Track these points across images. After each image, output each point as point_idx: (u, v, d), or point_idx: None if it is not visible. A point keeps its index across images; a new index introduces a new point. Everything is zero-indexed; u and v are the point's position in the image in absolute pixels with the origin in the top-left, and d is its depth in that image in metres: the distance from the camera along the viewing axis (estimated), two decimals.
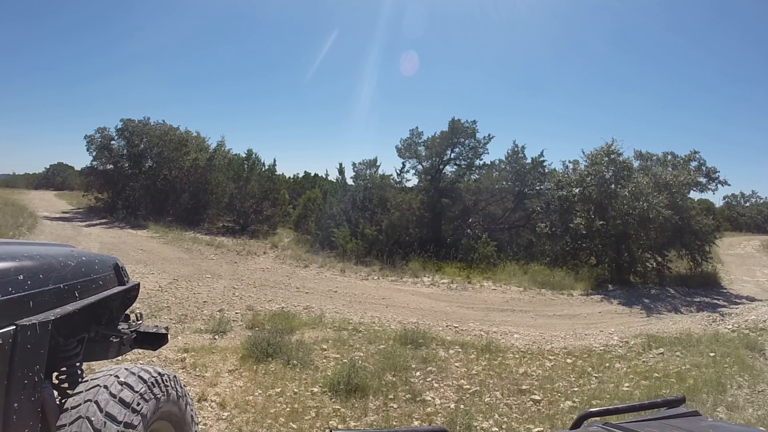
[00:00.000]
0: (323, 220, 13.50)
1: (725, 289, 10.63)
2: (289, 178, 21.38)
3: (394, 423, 3.59)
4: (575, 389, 4.52)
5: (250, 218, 15.84)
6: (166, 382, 1.69)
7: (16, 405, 1.20)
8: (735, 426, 1.51)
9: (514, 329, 6.79)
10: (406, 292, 8.99)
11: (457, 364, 5.04)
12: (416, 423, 3.64)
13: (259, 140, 68.41)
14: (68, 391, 1.63)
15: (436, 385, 4.45)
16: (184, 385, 1.91)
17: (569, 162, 13.03)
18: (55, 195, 23.46)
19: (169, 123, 17.72)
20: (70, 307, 1.49)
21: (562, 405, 4.11)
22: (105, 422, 1.37)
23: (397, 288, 9.28)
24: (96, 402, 1.40)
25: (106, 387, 1.46)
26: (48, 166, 33.55)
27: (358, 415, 3.69)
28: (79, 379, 1.65)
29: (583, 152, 12.34)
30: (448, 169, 14.66)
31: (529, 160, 14.37)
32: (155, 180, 16.69)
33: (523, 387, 4.47)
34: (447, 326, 6.71)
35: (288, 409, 3.67)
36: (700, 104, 61.64)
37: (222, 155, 17.61)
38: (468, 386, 4.44)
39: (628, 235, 10.78)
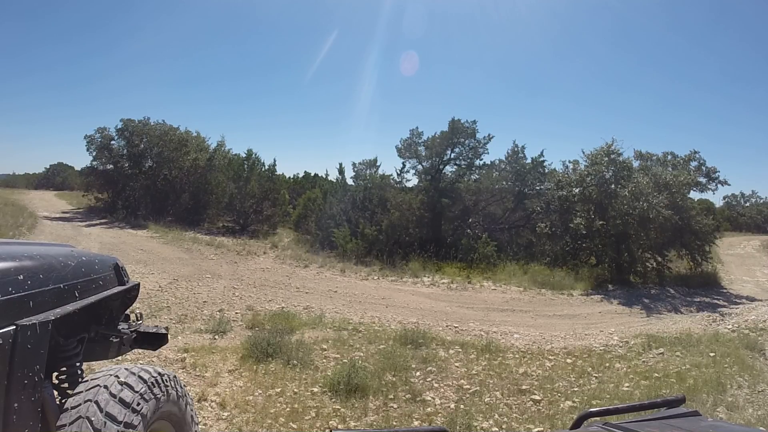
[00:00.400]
0: (323, 220, 13.50)
1: (725, 289, 10.63)
2: (289, 178, 21.40)
3: (394, 423, 3.59)
4: (575, 389, 4.52)
5: (250, 218, 15.84)
6: (166, 382, 1.69)
7: (16, 405, 1.20)
8: (735, 426, 1.51)
9: (514, 329, 6.79)
10: (406, 292, 8.99)
11: (457, 364, 5.04)
12: (416, 423, 3.64)
13: (259, 140, 68.48)
14: (68, 391, 1.63)
15: (436, 385, 4.45)
16: (184, 385, 1.92)
17: (569, 162, 13.04)
18: (55, 195, 23.46)
19: (169, 123, 17.76)
20: (70, 307, 1.49)
21: (562, 405, 4.11)
22: (105, 422, 1.37)
23: (397, 288, 9.28)
24: (96, 402, 1.40)
25: (106, 387, 1.46)
26: (48, 166, 33.60)
27: (358, 415, 3.69)
28: (79, 379, 1.65)
29: (583, 152, 12.36)
30: (448, 169, 14.67)
31: (529, 160, 14.38)
32: (155, 180, 16.69)
33: (523, 387, 4.47)
34: (447, 326, 6.71)
35: (288, 409, 3.67)
36: (700, 104, 61.72)
37: (222, 155, 17.61)
38: (468, 386, 4.44)
39: (628, 235, 10.78)
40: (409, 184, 15.04)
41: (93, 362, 2.50)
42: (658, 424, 1.06)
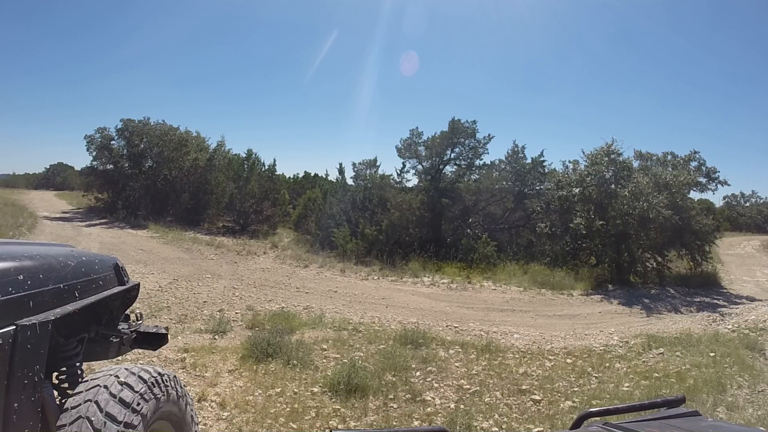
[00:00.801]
0: (323, 220, 13.50)
1: (725, 289, 10.63)
2: (289, 178, 21.42)
3: (394, 423, 3.59)
4: (575, 389, 4.52)
5: (250, 218, 15.84)
6: (166, 382, 1.69)
7: (16, 405, 1.20)
8: (735, 426, 1.51)
9: (514, 329, 6.79)
10: (406, 292, 8.99)
11: (457, 364, 5.04)
12: (416, 423, 3.64)
13: (259, 140, 68.42)
14: (68, 391, 1.63)
15: (436, 385, 4.45)
16: (184, 385, 1.92)
17: (569, 162, 13.03)
18: (55, 195, 23.47)
19: (169, 123, 17.77)
20: (70, 307, 1.49)
21: (562, 405, 4.11)
22: (105, 422, 1.37)
23: (397, 288, 9.28)
24: (96, 402, 1.40)
25: (106, 387, 1.46)
26: (48, 166, 33.62)
27: (358, 415, 3.69)
28: (79, 379, 1.65)
29: (583, 152, 12.35)
30: (448, 169, 14.67)
31: (529, 160, 14.38)
32: (155, 180, 16.69)
33: (523, 387, 4.47)
34: (447, 326, 6.71)
35: (288, 409, 3.67)
36: (700, 104, 61.69)
37: (222, 155, 17.62)
38: (468, 386, 4.44)
39: (628, 235, 10.78)
40: (409, 184, 15.07)
41: (93, 362, 2.50)
42: (658, 424, 1.06)
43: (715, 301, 9.23)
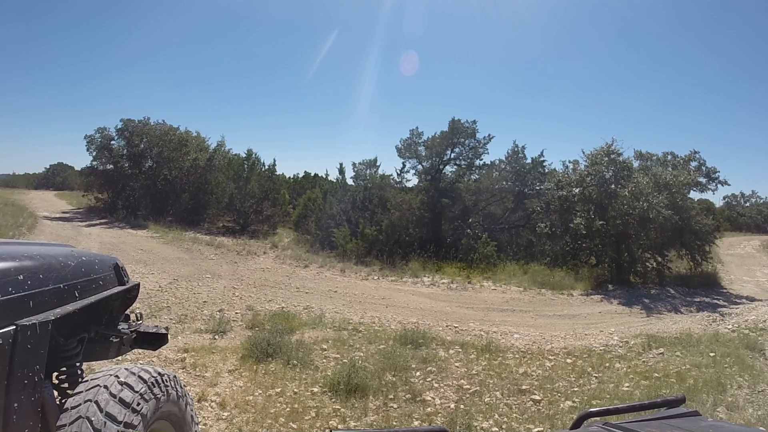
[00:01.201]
0: (323, 220, 13.50)
1: (725, 289, 10.63)
2: (289, 178, 21.41)
3: (394, 423, 3.59)
4: (575, 389, 4.52)
5: (250, 218, 15.84)
6: (166, 382, 1.69)
7: (16, 405, 1.20)
8: (735, 426, 1.51)
9: (514, 329, 6.79)
10: (406, 292, 8.99)
11: (457, 364, 5.04)
12: (416, 423, 3.64)
13: (259, 140, 68.42)
14: (68, 391, 1.63)
15: (436, 385, 4.45)
16: (184, 385, 1.92)
17: (569, 162, 13.03)
18: (55, 195, 23.47)
19: (169, 123, 17.77)
20: (70, 307, 1.49)
21: (562, 405, 4.11)
22: (105, 422, 1.37)
23: (397, 288, 9.28)
24: (96, 402, 1.40)
25: (106, 387, 1.46)
26: (48, 166, 33.63)
27: (358, 415, 3.69)
28: (79, 379, 1.65)
29: (583, 152, 12.35)
30: (448, 169, 14.68)
31: (529, 160, 14.38)
32: (155, 180, 16.69)
33: (523, 387, 4.47)
34: (447, 326, 6.71)
35: (288, 409, 3.67)
36: (700, 104, 61.70)
37: (222, 155, 17.61)
38: (468, 386, 4.44)
39: (628, 235, 10.78)
40: (409, 184, 15.07)
41: (93, 362, 2.50)
42: (658, 424, 1.06)
43: (715, 301, 9.23)
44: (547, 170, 14.11)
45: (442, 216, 14.03)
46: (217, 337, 5.43)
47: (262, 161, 16.70)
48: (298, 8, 68.43)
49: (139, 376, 1.57)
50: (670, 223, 10.42)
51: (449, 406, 4.00)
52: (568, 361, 5.41)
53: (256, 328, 5.76)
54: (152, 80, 69.35)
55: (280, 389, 4.00)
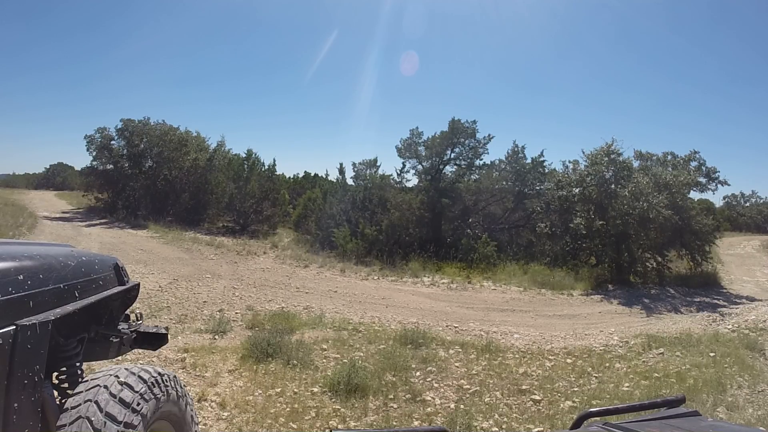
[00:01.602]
0: (323, 220, 13.50)
1: (725, 289, 10.63)
2: (289, 178, 21.41)
3: (394, 423, 3.59)
4: (575, 389, 4.52)
5: (250, 218, 15.84)
6: (166, 382, 1.69)
7: (16, 405, 1.20)
8: (735, 426, 1.51)
9: (514, 329, 6.79)
10: (406, 292, 8.99)
11: (457, 364, 5.04)
12: (416, 423, 3.64)
13: (259, 140, 68.42)
14: (68, 391, 1.63)
15: (436, 385, 4.45)
16: (184, 385, 1.92)
17: (569, 162, 13.03)
18: (55, 195, 23.46)
19: (169, 123, 17.77)
20: (70, 307, 1.49)
21: (562, 405, 4.11)
22: (105, 422, 1.37)
23: (397, 288, 9.28)
24: (96, 402, 1.40)
25: (106, 387, 1.46)
26: (48, 166, 33.61)
27: (358, 415, 3.69)
28: (79, 379, 1.65)
29: (583, 152, 12.35)
30: (448, 169, 14.68)
31: (529, 160, 14.38)
32: (155, 180, 16.69)
33: (523, 387, 4.47)
34: (447, 326, 6.71)
35: (288, 409, 3.67)
36: (700, 104, 61.70)
37: (222, 155, 17.61)
38: (468, 386, 4.44)
39: (628, 235, 10.78)
40: (409, 184, 15.07)
41: (93, 362, 2.50)
42: (658, 424, 1.06)
43: (715, 301, 9.23)
44: (547, 170, 14.11)
45: (442, 216, 14.03)
46: (217, 337, 5.43)
47: (262, 161, 16.73)
48: (298, 8, 68.47)
49: (139, 376, 1.57)
50: (670, 223, 10.42)
51: (449, 406, 4.00)
52: (568, 361, 5.41)
53: (256, 328, 5.76)
54: (152, 80, 69.41)
55: (280, 389, 4.00)
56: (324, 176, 18.53)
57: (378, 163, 14.91)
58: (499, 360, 5.27)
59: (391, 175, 14.81)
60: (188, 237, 12.84)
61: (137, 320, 2.21)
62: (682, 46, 54.31)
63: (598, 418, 1.15)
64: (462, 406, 3.96)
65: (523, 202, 14.07)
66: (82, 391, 1.46)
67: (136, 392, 1.50)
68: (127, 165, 16.80)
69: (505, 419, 3.83)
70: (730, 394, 4.36)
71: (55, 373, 1.69)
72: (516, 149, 14.60)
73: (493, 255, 11.93)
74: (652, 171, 11.66)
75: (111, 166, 16.92)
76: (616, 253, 10.89)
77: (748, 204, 32.20)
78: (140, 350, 3.34)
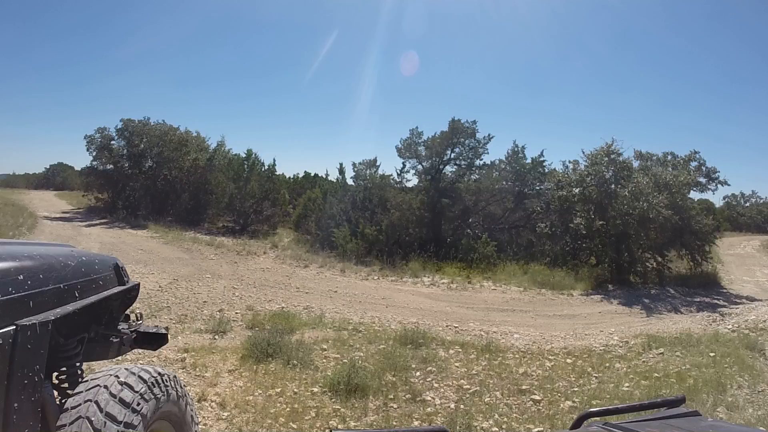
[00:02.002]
0: (323, 220, 13.50)
1: (725, 289, 10.63)
2: (289, 178, 21.39)
3: (394, 423, 3.59)
4: (575, 389, 4.52)
5: (250, 218, 15.84)
6: (166, 382, 1.69)
7: (16, 405, 1.20)
8: (735, 426, 1.51)
9: (514, 329, 6.79)
10: (406, 292, 8.99)
11: (457, 364, 5.04)
12: (416, 423, 3.64)
13: (259, 140, 68.16)
14: (68, 391, 1.63)
15: (436, 385, 4.45)
16: (184, 385, 1.92)
17: (569, 162, 13.03)
18: (55, 195, 23.46)
19: (169, 123, 17.73)
20: (70, 307, 1.50)
21: (562, 405, 4.11)
22: (105, 422, 1.37)
23: (397, 288, 9.28)
24: (96, 402, 1.40)
25: (106, 387, 1.46)
26: (48, 166, 33.51)
27: (358, 415, 3.70)
28: (79, 379, 1.65)
29: (583, 152, 12.35)
30: (448, 169, 14.65)
31: (529, 160, 14.36)
32: (155, 180, 16.69)
33: (523, 387, 4.47)
34: (447, 326, 6.71)
35: (288, 409, 3.67)
36: (700, 104, 61.53)
37: (222, 155, 17.61)
38: (468, 386, 4.45)
39: (628, 235, 10.78)
40: (409, 184, 15.04)
41: (93, 362, 2.50)
42: (658, 424, 1.06)
43: (715, 301, 9.23)
44: (547, 170, 14.10)
45: (442, 216, 14.03)
46: (217, 337, 5.43)
47: (262, 161, 16.70)
48: (298, 8, 68.31)
49: (139, 376, 1.57)
50: (670, 223, 10.42)
51: (449, 406, 4.00)
52: (568, 361, 5.42)
53: (256, 328, 5.75)
54: (152, 80, 69.14)
55: (280, 389, 4.00)
56: (324, 176, 18.54)
57: (378, 163, 14.89)
58: (499, 360, 5.27)
59: (391, 175, 14.81)
60: (188, 237, 12.84)
61: (137, 320, 2.22)
62: (682, 46, 54.27)
63: (598, 418, 1.15)
64: (462, 406, 3.96)
65: (523, 202, 14.07)
66: (82, 391, 1.46)
67: (136, 392, 1.50)
68: (127, 165, 16.79)
69: (505, 419, 3.83)
70: (730, 394, 4.36)
71: (55, 373, 1.69)
72: (516, 149, 14.59)
73: (493, 255, 11.93)
74: (652, 171, 11.66)
75: (111, 166, 16.91)
76: (616, 253, 10.89)
77: (748, 204, 32.22)
78: (140, 350, 3.34)
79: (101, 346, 2.02)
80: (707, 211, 14.06)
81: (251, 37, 72.34)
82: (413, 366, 4.80)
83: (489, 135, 14.30)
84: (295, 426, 3.45)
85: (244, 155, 16.91)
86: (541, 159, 14.16)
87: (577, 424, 1.11)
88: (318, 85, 73.07)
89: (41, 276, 1.42)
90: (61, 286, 1.52)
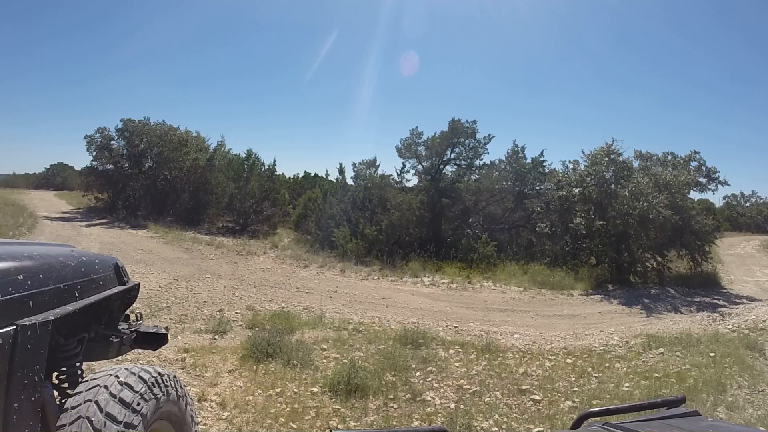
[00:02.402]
0: (323, 220, 13.50)
1: (725, 289, 10.63)
2: (289, 178, 21.39)
3: (394, 423, 3.59)
4: (575, 389, 4.52)
5: (250, 218, 15.84)
6: (166, 382, 1.69)
7: (16, 405, 1.20)
8: (735, 426, 1.51)
9: (514, 329, 6.79)
10: (406, 292, 8.99)
11: (457, 364, 5.04)
12: (416, 423, 3.64)
13: (259, 140, 68.26)
14: (68, 391, 1.63)
15: (436, 385, 4.45)
16: (184, 385, 1.92)
17: (569, 162, 13.02)
18: (55, 195, 23.45)
19: (169, 123, 17.73)
20: (70, 307, 1.50)
21: (562, 405, 4.11)
22: (105, 422, 1.37)
23: (397, 288, 9.28)
24: (96, 402, 1.40)
25: (106, 387, 1.46)
26: (48, 166, 33.49)
27: (358, 415, 3.70)
28: (79, 379, 1.65)
29: (583, 152, 12.35)
30: (448, 169, 14.66)
31: (529, 160, 14.36)
32: (155, 180, 16.69)
33: (523, 387, 4.47)
34: (447, 326, 6.71)
35: (288, 409, 3.67)
36: (700, 104, 61.56)
37: (222, 155, 17.61)
38: (468, 386, 4.45)
39: (628, 235, 10.78)
40: (409, 184, 15.04)
41: (93, 362, 2.50)
42: (658, 424, 1.06)
43: (715, 301, 9.23)
44: (547, 170, 14.11)
45: (442, 216, 14.03)
46: (217, 337, 5.43)
47: (262, 161, 16.71)
48: (298, 8, 68.31)
49: (139, 376, 1.57)
50: (670, 223, 10.42)
51: (449, 406, 4.00)
52: (568, 361, 5.42)
53: (256, 328, 5.75)
54: (152, 80, 69.21)
55: (280, 389, 4.00)
56: (324, 176, 18.54)
57: (378, 163, 14.88)
58: (499, 360, 5.27)
59: (391, 175, 14.81)
60: (188, 237, 12.84)
61: (137, 320, 2.22)
62: (682, 46, 54.30)
63: (598, 418, 1.15)
64: (462, 406, 3.96)
65: (523, 202, 14.07)
66: (82, 391, 1.46)
67: (136, 392, 1.50)
68: (127, 165, 16.79)
69: (505, 419, 3.83)
70: (730, 394, 4.36)
71: (55, 373, 1.69)
72: (516, 149, 14.59)
73: (493, 255, 11.93)
74: (652, 171, 11.66)
75: (111, 166, 16.90)
76: (616, 253, 10.89)
77: (748, 204, 32.20)
78: (140, 350, 3.34)
79: (101, 346, 2.02)
80: (707, 211, 14.08)
81: (251, 37, 72.41)
82: (413, 366, 4.80)
83: (489, 135, 14.32)
84: (295, 426, 3.45)
85: (244, 155, 16.93)
86: (541, 159, 14.18)
87: (577, 424, 1.11)
88: (318, 85, 73.13)
89: (41, 276, 1.42)
90: (61, 286, 1.52)
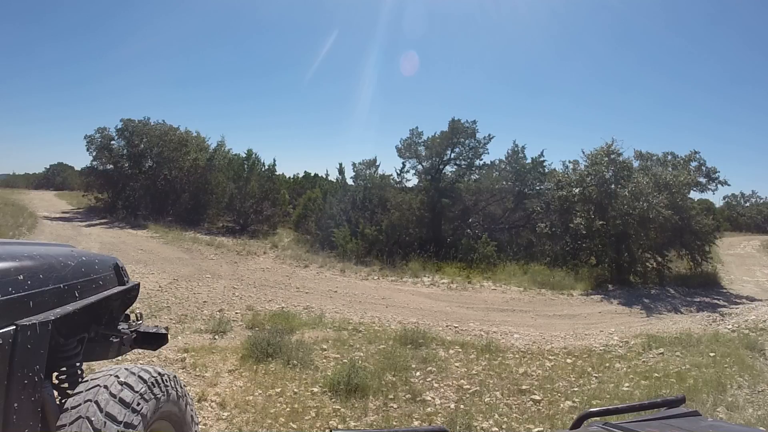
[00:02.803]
0: (323, 220, 13.50)
1: (725, 289, 10.63)
2: (289, 178, 21.39)
3: (394, 423, 3.59)
4: (575, 389, 4.52)
5: (250, 218, 15.84)
6: (166, 382, 1.69)
7: (16, 405, 1.20)
8: (735, 426, 1.51)
9: (514, 329, 6.79)
10: (406, 292, 8.99)
11: (457, 364, 5.04)
12: (416, 423, 3.64)
13: (259, 140, 68.16)
14: (68, 391, 1.63)
15: (436, 385, 4.45)
16: (184, 385, 1.92)
17: (569, 162, 13.01)
18: (55, 195, 23.45)
19: (169, 123, 17.73)
20: (70, 307, 1.50)
21: (562, 405, 4.11)
22: (105, 422, 1.37)
23: (397, 288, 9.28)
24: (96, 402, 1.40)
25: (106, 387, 1.46)
26: (48, 166, 33.47)
27: (358, 415, 3.70)
28: (79, 379, 1.65)
29: (583, 152, 12.35)
30: (448, 169, 14.66)
31: (529, 160, 14.35)
32: (155, 180, 16.69)
33: (523, 387, 4.47)
34: (447, 326, 6.71)
35: (288, 409, 3.67)
36: (700, 104, 61.50)
37: (222, 155, 17.61)
38: (468, 386, 4.45)
39: (628, 235, 10.78)
40: (409, 184, 15.03)
41: (93, 362, 2.50)
42: (658, 424, 1.06)
43: (715, 301, 9.23)
44: (547, 170, 14.10)
45: (442, 216, 14.03)
46: (217, 337, 5.43)
47: (262, 161, 16.72)
48: (298, 8, 68.26)
49: (139, 376, 1.57)
50: (670, 223, 10.42)
51: (449, 406, 4.00)
52: (568, 361, 5.42)
53: (256, 328, 5.76)
54: (152, 80, 69.13)
55: (280, 389, 4.00)
56: (324, 176, 18.53)
57: (378, 163, 14.88)
58: (499, 360, 5.27)
59: (391, 175, 14.80)
60: (188, 237, 12.84)
61: (137, 320, 2.22)
62: (682, 46, 54.24)
63: (598, 418, 1.15)
64: (462, 406, 3.96)
65: (523, 202, 14.06)
66: (82, 391, 1.46)
67: (136, 392, 1.50)
68: (127, 165, 16.78)
69: (505, 419, 3.83)
70: (730, 394, 4.36)
71: (55, 373, 1.69)
72: (516, 149, 14.58)
73: (493, 255, 11.93)
74: (652, 171, 11.66)
75: (111, 166, 16.90)
76: (616, 253, 10.89)
77: (748, 204, 32.18)
78: (140, 350, 3.34)
79: (101, 346, 2.02)
80: (707, 211, 14.07)
81: (251, 37, 72.35)
82: (413, 366, 4.80)
83: (489, 135, 14.32)
84: (295, 426, 3.45)
85: (244, 155, 16.94)
86: (541, 159, 14.17)
87: (577, 424, 1.11)
88: (318, 85, 73.07)
89: (41, 276, 1.42)
90: (61, 286, 1.52)
